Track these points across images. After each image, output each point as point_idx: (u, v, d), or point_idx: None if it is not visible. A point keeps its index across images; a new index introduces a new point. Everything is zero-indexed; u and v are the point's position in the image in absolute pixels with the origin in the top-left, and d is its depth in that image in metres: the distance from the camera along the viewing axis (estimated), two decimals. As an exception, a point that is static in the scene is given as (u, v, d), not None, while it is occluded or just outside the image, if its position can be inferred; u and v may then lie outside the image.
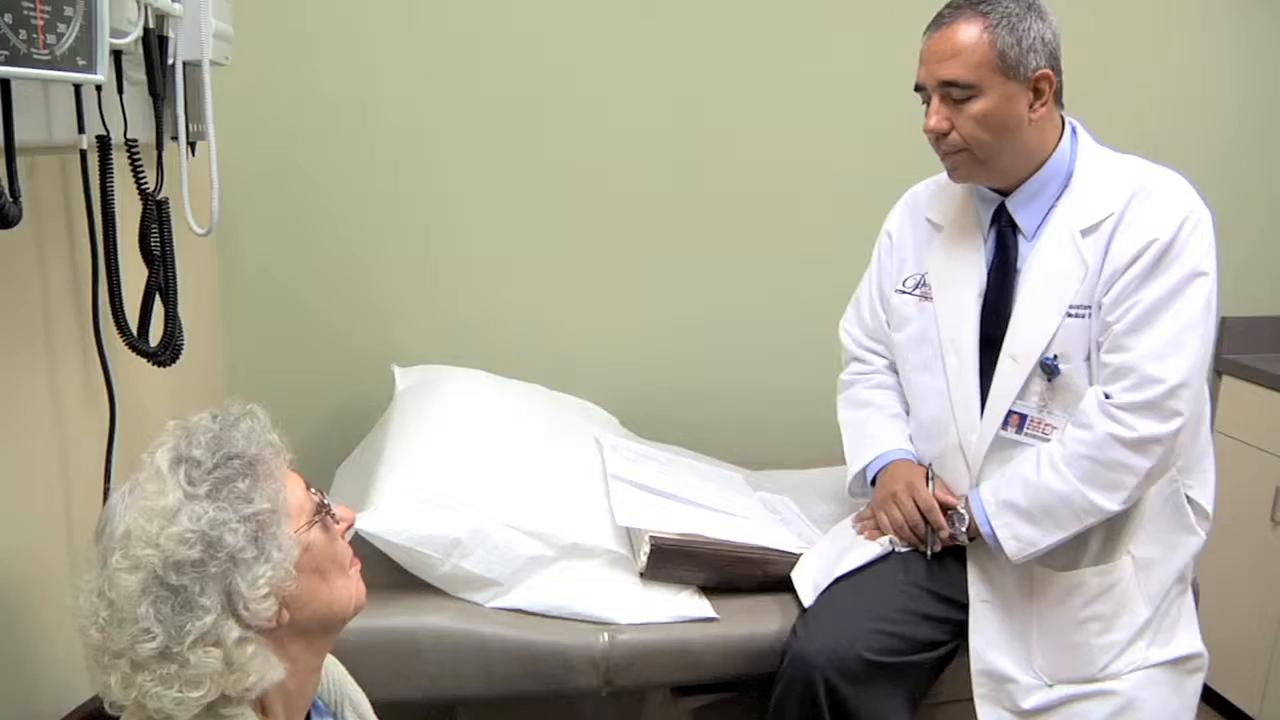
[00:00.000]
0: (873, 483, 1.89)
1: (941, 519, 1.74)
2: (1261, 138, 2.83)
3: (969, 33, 1.58)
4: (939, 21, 1.63)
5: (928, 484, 1.78)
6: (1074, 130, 1.72)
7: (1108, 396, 1.60)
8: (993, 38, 1.57)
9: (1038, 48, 1.59)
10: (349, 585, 1.09)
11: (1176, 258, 1.58)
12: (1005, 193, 1.71)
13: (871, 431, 1.88)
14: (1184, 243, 1.58)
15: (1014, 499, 1.64)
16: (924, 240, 1.84)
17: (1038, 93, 1.62)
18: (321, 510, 1.06)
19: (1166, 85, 2.73)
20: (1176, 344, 1.57)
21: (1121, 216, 1.62)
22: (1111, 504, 1.60)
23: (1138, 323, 1.58)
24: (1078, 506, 1.60)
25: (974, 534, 1.71)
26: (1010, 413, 1.70)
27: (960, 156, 1.65)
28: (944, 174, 1.78)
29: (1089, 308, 1.64)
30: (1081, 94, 2.59)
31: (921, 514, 1.76)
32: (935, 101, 1.63)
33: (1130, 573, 1.70)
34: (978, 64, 1.58)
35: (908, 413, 1.92)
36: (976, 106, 1.60)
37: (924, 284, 1.82)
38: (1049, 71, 1.61)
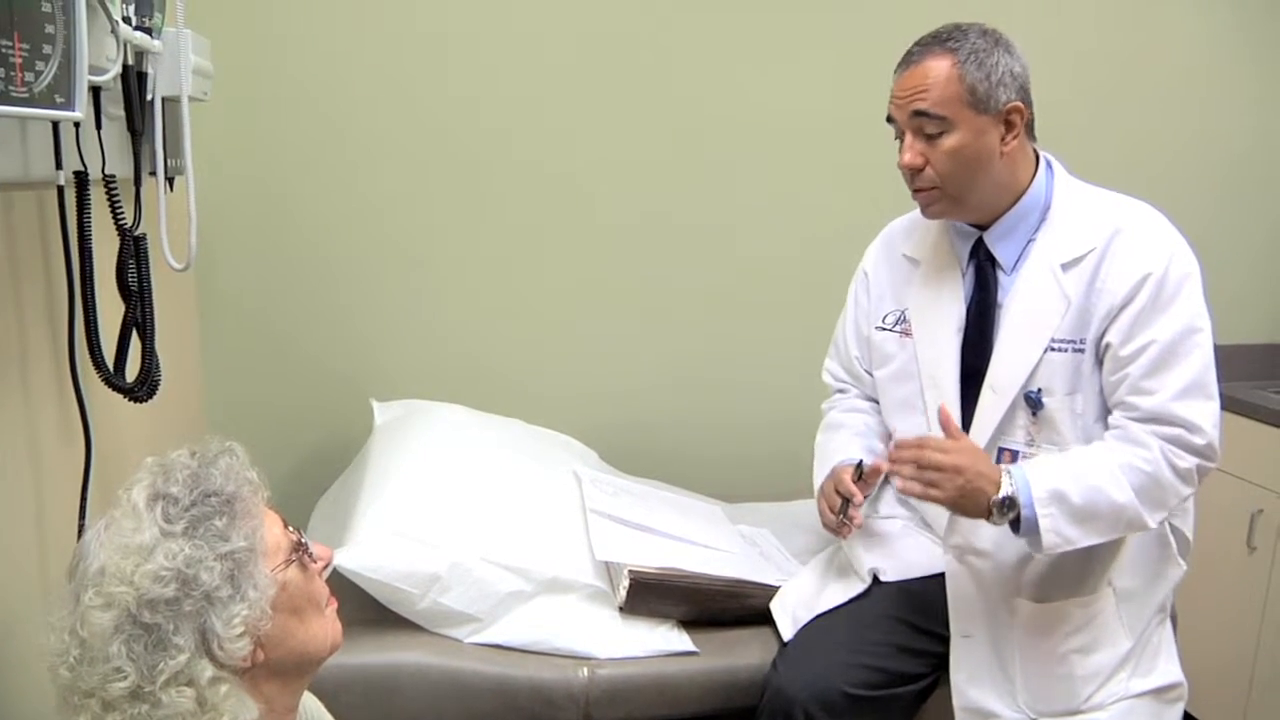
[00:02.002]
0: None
1: (851, 489, 1.74)
2: (1252, 172, 2.87)
3: (939, 69, 1.60)
4: (908, 59, 1.65)
5: (858, 474, 1.76)
6: (1049, 164, 1.73)
7: None
8: (962, 73, 1.59)
9: (1007, 81, 1.61)
10: (325, 625, 1.08)
11: (1176, 294, 1.59)
12: (983, 227, 1.72)
13: (831, 450, 1.88)
14: (1180, 279, 1.60)
15: (1067, 493, 1.56)
16: (902, 276, 1.85)
17: (1009, 125, 1.63)
18: (299, 549, 1.06)
19: (1167, 119, 2.78)
20: (1200, 386, 1.59)
21: (1105, 252, 1.63)
22: (1153, 522, 1.60)
23: (1156, 365, 1.58)
24: (1127, 518, 1.58)
25: (1003, 513, 1.58)
26: (1001, 449, 1.70)
27: (934, 193, 1.66)
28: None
29: (1073, 342, 1.65)
30: (1081, 125, 2.65)
31: (840, 496, 1.76)
32: (909, 138, 1.64)
33: (1111, 604, 1.70)
34: (949, 98, 1.59)
35: (887, 432, 1.91)
36: (949, 141, 1.61)
37: (904, 320, 1.82)
38: (1019, 104, 1.63)
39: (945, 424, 1.63)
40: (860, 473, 1.76)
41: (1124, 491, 1.56)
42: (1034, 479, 1.58)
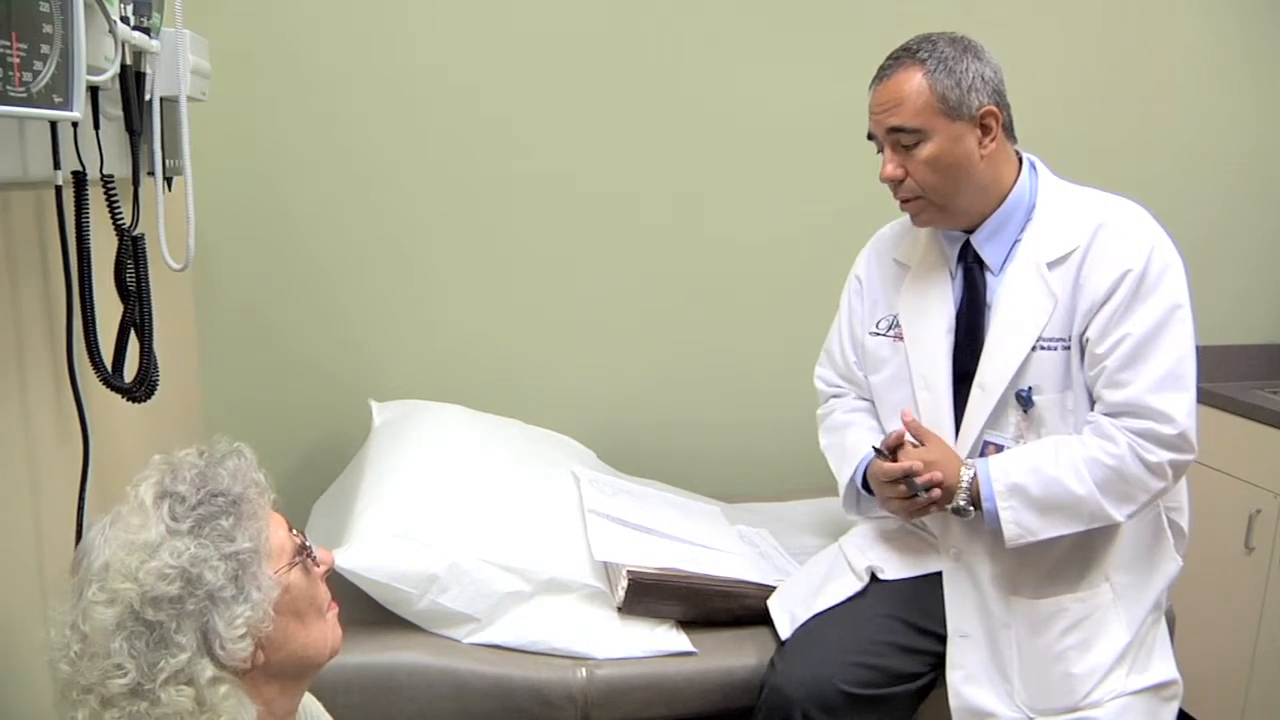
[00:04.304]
0: (867, 489, 1.84)
1: (899, 468, 1.68)
2: (1252, 174, 2.87)
3: (909, 81, 1.62)
4: (881, 75, 1.68)
5: (889, 456, 1.73)
6: (1032, 165, 1.75)
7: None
8: (932, 82, 1.61)
9: (978, 86, 1.63)
10: (326, 629, 1.08)
11: (1155, 288, 1.60)
12: (969, 229, 1.73)
13: (851, 443, 1.87)
14: (1159, 272, 1.61)
15: (1026, 486, 1.61)
16: (893, 281, 1.86)
17: (985, 129, 1.65)
18: (303, 552, 1.06)
19: (1169, 122, 2.78)
20: (1175, 377, 1.60)
21: (1088, 249, 1.64)
22: (1121, 515, 1.61)
23: (1131, 357, 1.59)
24: (1089, 511, 1.61)
25: (967, 508, 1.64)
26: (987, 444, 1.71)
27: (919, 203, 1.69)
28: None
29: (1062, 340, 1.66)
30: (1083, 127, 2.64)
31: (899, 482, 1.70)
32: (888, 150, 1.67)
33: (1109, 598, 1.70)
34: (921, 109, 1.62)
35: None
36: (926, 151, 1.63)
37: (896, 324, 1.83)
38: (993, 108, 1.64)
39: (910, 428, 1.69)
40: (884, 454, 1.73)
41: (1084, 484, 1.59)
42: (995, 473, 1.63)
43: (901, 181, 1.67)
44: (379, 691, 1.67)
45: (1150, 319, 1.59)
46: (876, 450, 1.75)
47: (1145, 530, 1.73)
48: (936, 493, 1.65)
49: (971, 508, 1.65)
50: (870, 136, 1.71)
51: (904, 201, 1.71)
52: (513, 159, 2.42)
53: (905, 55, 1.65)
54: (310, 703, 1.24)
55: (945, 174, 1.64)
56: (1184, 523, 1.78)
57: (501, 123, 2.40)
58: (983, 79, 1.63)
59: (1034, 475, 1.61)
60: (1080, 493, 1.59)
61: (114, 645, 0.91)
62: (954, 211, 1.70)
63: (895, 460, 1.71)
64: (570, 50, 2.40)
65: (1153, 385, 1.59)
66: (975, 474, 1.64)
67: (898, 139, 1.64)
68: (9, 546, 1.26)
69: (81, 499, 1.33)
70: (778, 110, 2.52)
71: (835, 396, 2.00)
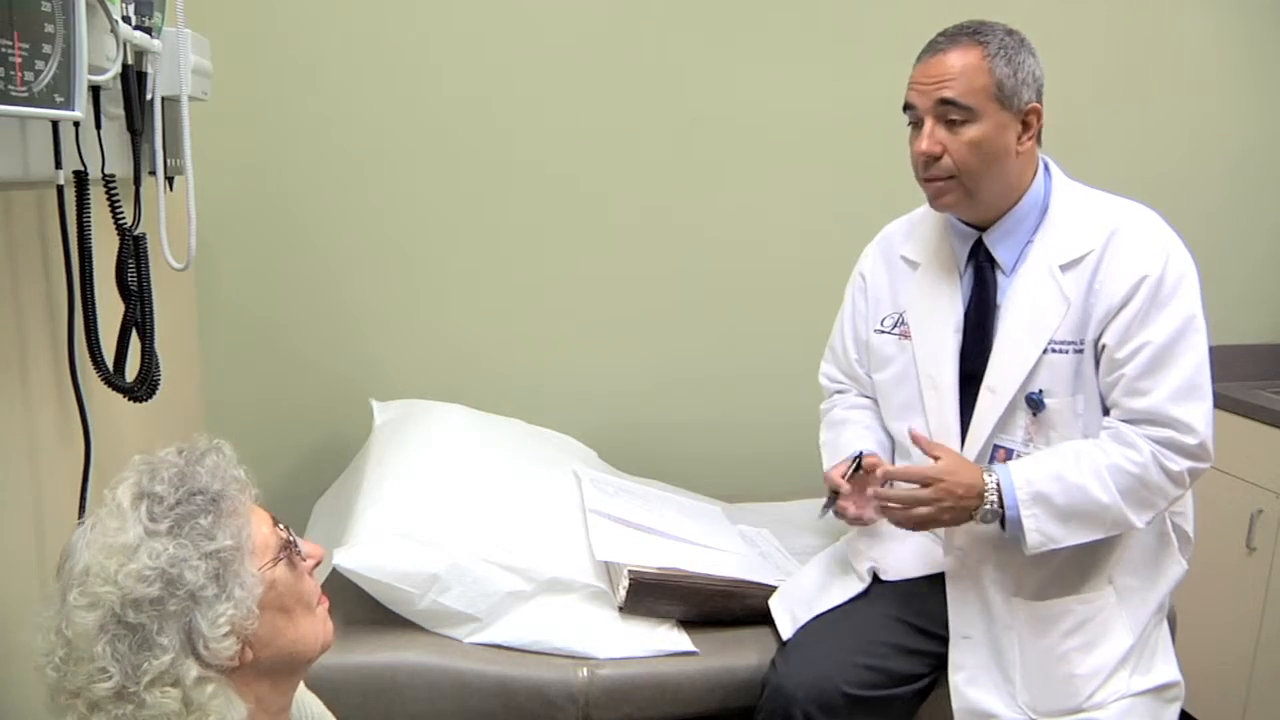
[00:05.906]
0: None
1: (836, 482, 1.71)
2: (1254, 173, 2.87)
3: (969, 58, 1.60)
4: (935, 47, 1.64)
5: (855, 467, 1.72)
6: (1046, 166, 1.73)
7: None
8: (991, 65, 1.59)
9: (1029, 82, 1.62)
10: (315, 624, 1.08)
11: (1172, 295, 1.60)
12: (981, 227, 1.72)
13: (843, 444, 1.87)
14: (1176, 280, 1.60)
15: (1050, 494, 1.60)
16: (900, 278, 1.85)
17: (1026, 126, 1.63)
18: (287, 547, 1.05)
19: (1171, 121, 2.78)
20: (1194, 386, 1.60)
21: (1103, 253, 1.63)
22: (1141, 522, 1.61)
23: (1151, 365, 1.59)
24: (1111, 518, 1.60)
25: (996, 510, 1.62)
26: (996, 447, 1.70)
27: (949, 183, 1.64)
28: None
29: (1074, 343, 1.65)
30: (1085, 126, 2.64)
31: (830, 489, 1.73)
32: (929, 124, 1.63)
33: (1112, 601, 1.70)
34: (978, 89, 1.59)
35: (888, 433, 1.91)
36: (972, 132, 1.60)
37: (903, 322, 1.82)
38: (1038, 106, 1.64)
39: (918, 442, 1.68)
40: (859, 465, 1.72)
41: (1108, 492, 1.58)
42: (1017, 480, 1.61)
43: (938, 159, 1.63)
44: (380, 691, 1.67)
45: (1169, 327, 1.59)
46: (857, 462, 1.72)
47: (1149, 534, 1.72)
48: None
49: (1001, 510, 1.62)
50: (907, 108, 1.66)
51: (931, 180, 1.66)
52: (514, 158, 2.42)
53: (963, 34, 1.62)
54: (312, 702, 1.24)
55: (983, 159, 1.61)
56: (1189, 527, 1.78)
57: (503, 122, 2.40)
58: (1034, 76, 1.62)
59: (1058, 483, 1.60)
60: (1104, 500, 1.58)
61: (97, 649, 0.90)
62: (979, 200, 1.67)
63: (868, 474, 1.71)
64: (572, 51, 2.40)
65: (1173, 395, 1.58)
66: (998, 481, 1.62)
67: (945, 113, 1.61)
68: (10, 546, 1.26)
69: (83, 499, 1.33)
70: (780, 111, 2.52)
71: (839, 392, 1.99)
